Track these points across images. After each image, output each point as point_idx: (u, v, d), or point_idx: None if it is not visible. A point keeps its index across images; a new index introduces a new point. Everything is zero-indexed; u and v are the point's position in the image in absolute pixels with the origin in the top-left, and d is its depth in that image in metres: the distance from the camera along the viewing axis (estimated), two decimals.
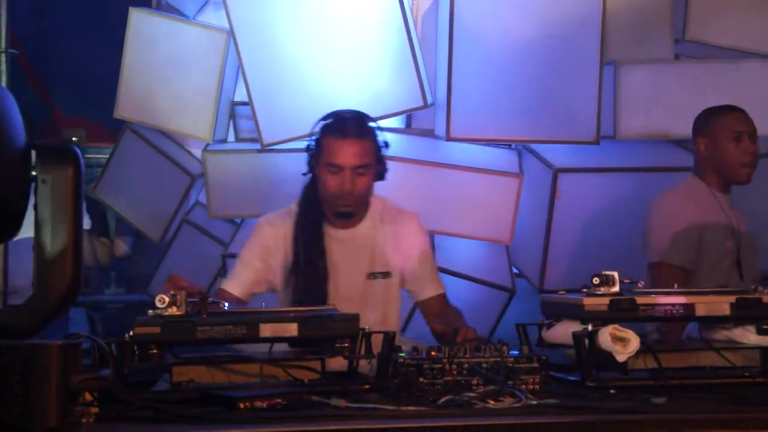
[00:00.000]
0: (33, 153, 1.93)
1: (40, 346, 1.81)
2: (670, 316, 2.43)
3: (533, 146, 4.30)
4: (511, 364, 2.31)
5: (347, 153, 2.97)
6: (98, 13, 5.78)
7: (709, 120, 3.51)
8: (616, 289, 2.41)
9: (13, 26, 4.54)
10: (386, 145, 3.08)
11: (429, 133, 4.41)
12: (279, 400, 2.11)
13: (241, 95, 4.46)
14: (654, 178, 4.10)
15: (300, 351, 2.41)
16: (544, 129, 4.16)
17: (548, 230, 4.10)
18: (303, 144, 3.13)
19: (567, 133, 4.15)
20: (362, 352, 2.32)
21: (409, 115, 4.43)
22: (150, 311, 2.25)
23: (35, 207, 1.92)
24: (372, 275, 3.08)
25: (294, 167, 3.22)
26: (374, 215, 3.12)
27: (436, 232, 4.22)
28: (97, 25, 5.80)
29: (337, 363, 2.38)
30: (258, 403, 2.09)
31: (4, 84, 4.86)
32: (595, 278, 2.41)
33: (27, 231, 1.98)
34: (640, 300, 2.39)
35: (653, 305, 2.40)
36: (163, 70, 4.47)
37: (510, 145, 4.41)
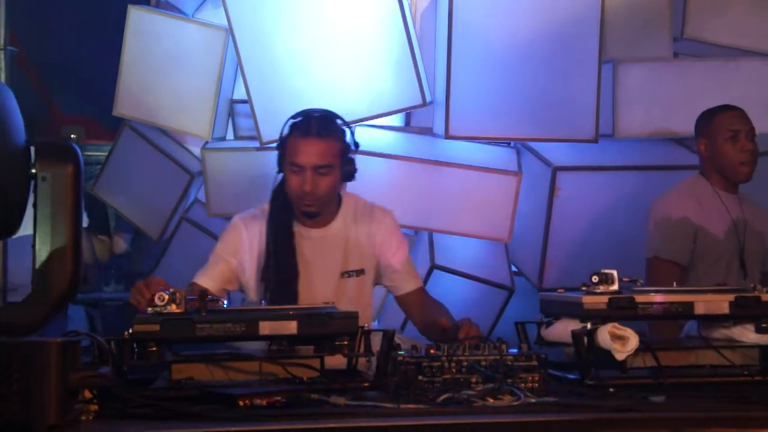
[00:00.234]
0: (32, 150, 1.93)
1: (39, 344, 1.81)
2: (669, 314, 2.43)
3: (532, 144, 4.30)
4: (510, 363, 2.30)
5: (308, 152, 2.97)
6: (97, 10, 5.76)
7: (706, 121, 3.56)
8: (615, 287, 2.41)
9: (12, 24, 4.53)
10: (356, 145, 3.08)
11: (428, 132, 4.42)
12: (278, 398, 2.11)
13: (239, 93, 4.46)
14: (653, 177, 4.10)
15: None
16: (542, 127, 4.16)
17: (547, 228, 4.11)
18: None
19: (566, 132, 4.15)
20: (361, 350, 2.32)
21: (407, 114, 4.44)
22: (149, 309, 2.25)
23: (34, 205, 1.92)
24: (346, 273, 3.09)
25: None
26: (347, 213, 3.12)
27: (435, 230, 4.22)
28: (96, 23, 5.79)
29: (336, 361, 2.38)
30: (257, 401, 2.09)
31: (2, 82, 4.85)
32: (594, 276, 2.41)
33: (26, 229, 1.98)
34: (639, 298, 2.39)
35: (652, 303, 2.40)
36: (162, 68, 4.47)
37: (509, 144, 4.41)
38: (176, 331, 2.22)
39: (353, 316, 2.32)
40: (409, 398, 2.17)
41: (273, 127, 4.22)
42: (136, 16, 4.48)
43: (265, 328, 2.26)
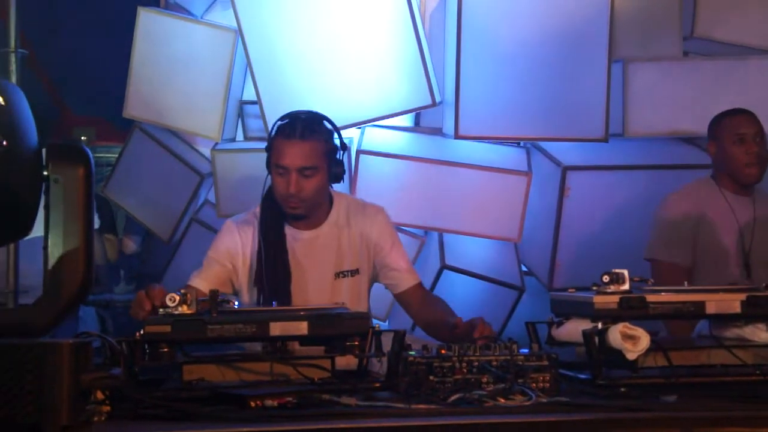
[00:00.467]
0: (44, 152, 1.94)
1: (51, 345, 1.82)
2: (680, 313, 2.43)
3: (542, 144, 4.30)
4: (521, 363, 2.30)
5: (291, 154, 2.96)
6: (107, 12, 5.79)
7: (715, 124, 3.64)
8: (626, 287, 2.40)
9: (23, 26, 4.55)
10: (343, 146, 3.06)
11: (437, 132, 4.42)
12: (290, 399, 2.11)
13: (249, 94, 4.47)
14: (663, 176, 4.09)
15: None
16: (552, 127, 4.16)
17: (557, 228, 4.10)
18: None
19: (576, 131, 4.15)
20: (372, 350, 2.32)
21: (417, 114, 4.44)
22: (161, 310, 2.26)
23: (46, 207, 1.93)
24: (340, 274, 3.08)
25: None
26: (339, 214, 3.12)
27: (445, 230, 4.22)
28: (106, 25, 5.81)
29: (347, 361, 2.38)
30: (269, 402, 2.09)
31: (14, 83, 4.86)
32: (605, 276, 2.40)
33: (37, 230, 1.99)
34: (650, 298, 2.38)
35: (663, 303, 2.39)
36: (172, 70, 4.48)
37: (518, 143, 4.41)
38: (187, 332, 2.22)
39: (364, 317, 2.32)
40: (420, 398, 2.17)
41: None
42: (145, 17, 4.49)
43: (276, 328, 2.27)
